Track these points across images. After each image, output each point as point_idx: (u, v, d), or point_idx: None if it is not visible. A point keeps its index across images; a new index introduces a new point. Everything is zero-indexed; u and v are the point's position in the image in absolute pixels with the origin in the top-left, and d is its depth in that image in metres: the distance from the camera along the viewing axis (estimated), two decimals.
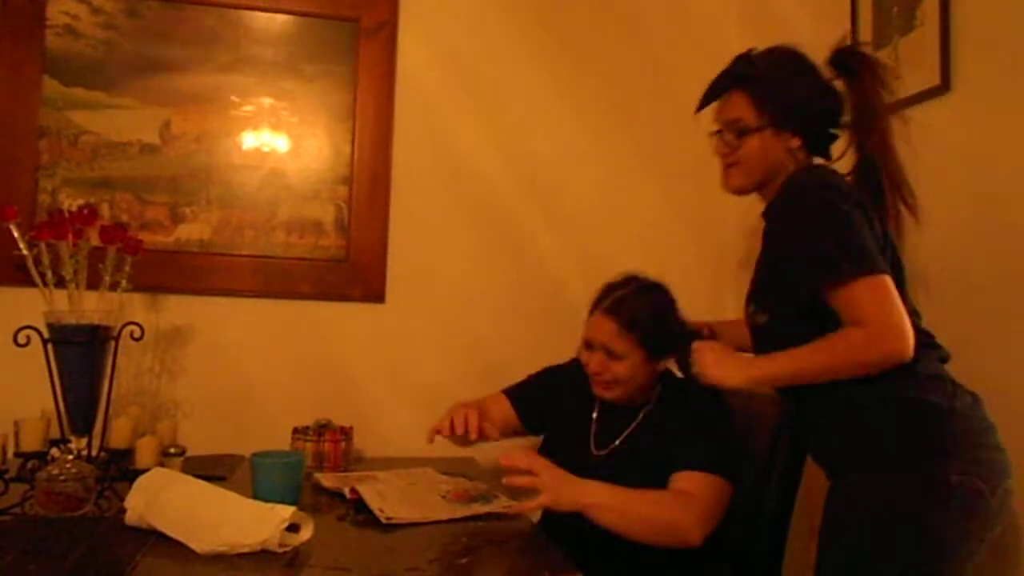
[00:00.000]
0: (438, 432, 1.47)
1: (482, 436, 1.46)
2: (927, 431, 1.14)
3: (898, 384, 1.15)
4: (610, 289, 1.49)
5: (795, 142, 1.30)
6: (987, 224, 1.40)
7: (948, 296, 1.48)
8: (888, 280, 1.13)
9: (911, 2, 1.57)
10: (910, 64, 1.58)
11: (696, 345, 1.30)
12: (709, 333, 1.48)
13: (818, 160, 1.35)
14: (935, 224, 1.53)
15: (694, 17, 2.12)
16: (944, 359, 1.24)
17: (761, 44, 1.35)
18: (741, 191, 1.36)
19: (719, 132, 1.35)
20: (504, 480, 1.30)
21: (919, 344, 1.17)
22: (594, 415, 1.51)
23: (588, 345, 1.48)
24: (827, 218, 1.16)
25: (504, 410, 1.60)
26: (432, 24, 1.99)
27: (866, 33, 1.73)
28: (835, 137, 1.34)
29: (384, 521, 1.25)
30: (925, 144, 1.56)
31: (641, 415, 1.47)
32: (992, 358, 1.37)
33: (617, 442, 1.45)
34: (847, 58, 1.31)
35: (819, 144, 1.34)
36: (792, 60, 1.33)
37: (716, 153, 1.37)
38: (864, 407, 1.17)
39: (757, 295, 1.34)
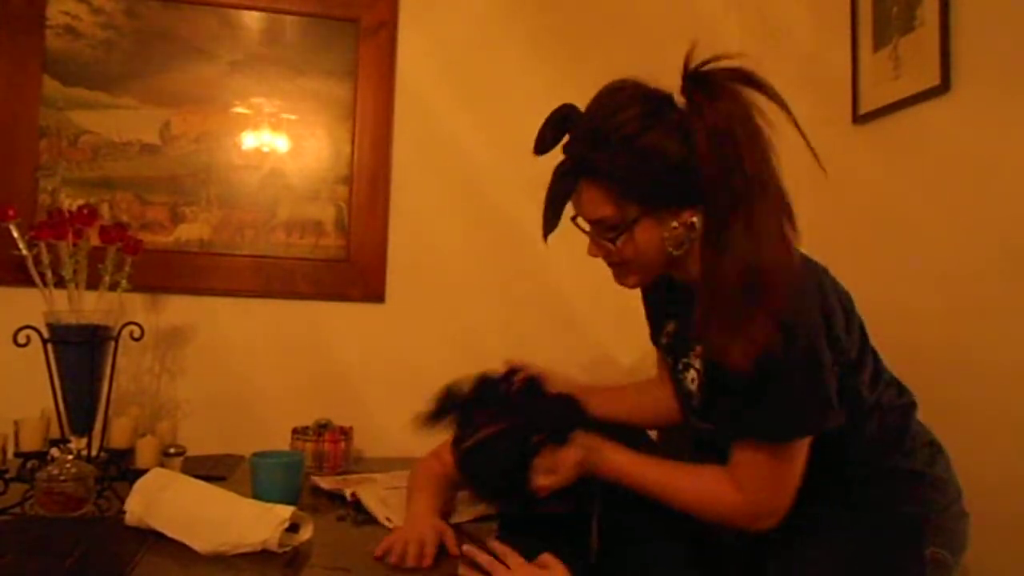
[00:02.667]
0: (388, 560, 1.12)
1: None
2: (908, 500, 1.10)
3: (886, 453, 1.10)
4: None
5: (686, 215, 1.03)
6: (988, 224, 1.40)
7: (947, 296, 1.48)
8: (806, 445, 1.02)
9: (911, 2, 1.57)
10: (910, 64, 1.58)
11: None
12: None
13: None
14: (935, 224, 1.53)
15: (695, 17, 2.12)
16: (916, 408, 1.17)
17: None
18: (641, 286, 1.14)
19: (575, 219, 1.10)
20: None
21: (908, 406, 1.13)
22: None
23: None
24: (803, 368, 0.99)
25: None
26: (432, 24, 1.99)
27: (866, 33, 1.73)
28: None
29: (391, 528, 1.25)
30: (925, 144, 1.56)
31: None
32: (992, 356, 1.37)
33: None
34: (697, 85, 1.00)
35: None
36: (634, 116, 1.01)
37: (591, 255, 1.11)
38: (848, 477, 1.09)
39: (697, 406, 1.16)
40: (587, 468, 1.11)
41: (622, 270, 1.11)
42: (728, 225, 0.97)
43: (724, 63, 1.00)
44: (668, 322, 1.23)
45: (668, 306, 1.21)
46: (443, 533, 1.16)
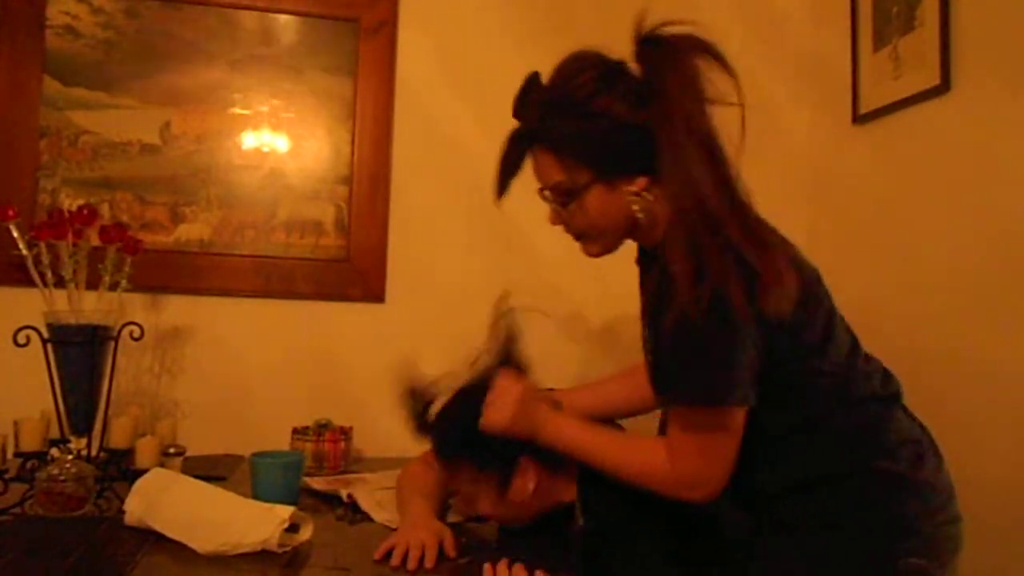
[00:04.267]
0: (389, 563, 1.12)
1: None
2: (887, 505, 1.04)
3: (868, 453, 1.05)
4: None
5: (641, 181, 1.03)
6: (988, 224, 1.40)
7: (947, 297, 1.48)
8: (740, 416, 0.99)
9: (911, 2, 1.57)
10: (910, 64, 1.58)
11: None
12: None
13: None
14: (935, 224, 1.53)
15: (695, 18, 2.12)
16: (900, 400, 1.12)
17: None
18: (606, 254, 1.13)
19: (542, 191, 1.10)
20: None
21: (890, 399, 1.08)
22: None
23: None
24: (711, 336, 0.95)
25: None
26: (432, 24, 1.99)
27: (866, 33, 1.73)
28: None
29: (392, 529, 1.24)
30: (925, 144, 1.57)
31: None
32: (993, 357, 1.37)
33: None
34: (647, 50, 1.03)
35: None
36: (586, 81, 1.03)
37: (551, 223, 1.12)
38: (827, 475, 1.05)
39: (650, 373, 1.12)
40: (528, 418, 1.12)
41: (583, 239, 1.11)
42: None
43: (678, 28, 1.02)
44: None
45: (644, 282, 1.19)
46: (442, 536, 1.16)
